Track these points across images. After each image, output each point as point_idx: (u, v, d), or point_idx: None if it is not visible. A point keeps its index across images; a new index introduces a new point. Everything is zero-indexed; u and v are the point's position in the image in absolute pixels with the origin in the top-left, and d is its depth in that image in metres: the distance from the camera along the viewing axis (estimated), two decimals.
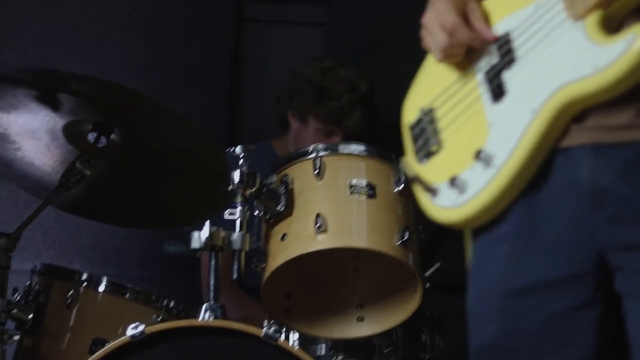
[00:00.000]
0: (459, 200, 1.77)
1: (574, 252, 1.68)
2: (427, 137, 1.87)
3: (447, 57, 1.81)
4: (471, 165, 1.75)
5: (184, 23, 4.18)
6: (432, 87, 1.91)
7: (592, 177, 1.65)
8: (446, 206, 1.80)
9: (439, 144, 1.85)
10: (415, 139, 1.91)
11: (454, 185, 1.77)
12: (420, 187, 1.85)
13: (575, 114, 1.65)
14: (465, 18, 1.79)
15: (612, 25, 1.62)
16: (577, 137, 1.67)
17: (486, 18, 1.80)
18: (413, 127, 1.92)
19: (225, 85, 4.21)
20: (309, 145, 3.36)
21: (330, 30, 4.08)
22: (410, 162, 1.91)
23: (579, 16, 1.63)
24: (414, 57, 1.94)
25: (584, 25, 1.63)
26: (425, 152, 1.87)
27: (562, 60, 1.65)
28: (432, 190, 1.82)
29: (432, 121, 1.87)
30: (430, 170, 1.85)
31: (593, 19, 1.62)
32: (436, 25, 1.79)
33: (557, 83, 1.64)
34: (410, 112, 1.95)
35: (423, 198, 1.86)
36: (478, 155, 1.73)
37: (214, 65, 4.19)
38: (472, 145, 1.76)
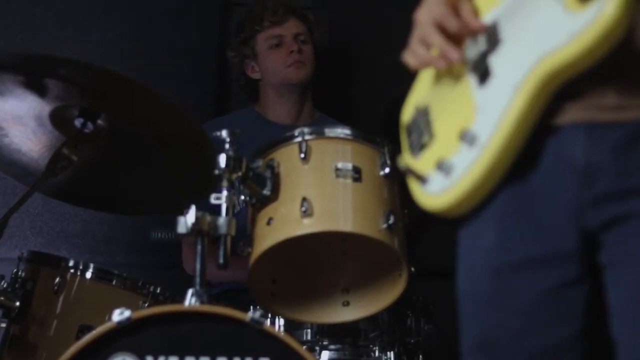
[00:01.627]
0: (446, 183, 1.76)
1: (563, 229, 1.68)
2: (420, 131, 1.88)
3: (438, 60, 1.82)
4: (457, 147, 1.75)
5: (170, 7, 4.17)
6: (427, 85, 1.93)
7: (586, 155, 1.65)
8: (434, 191, 1.79)
9: (431, 135, 1.85)
10: (410, 135, 1.92)
11: (441, 168, 1.76)
12: (411, 177, 1.85)
13: (558, 87, 1.64)
14: (455, 11, 1.79)
15: None
16: (571, 115, 1.67)
17: (476, 11, 1.80)
18: (408, 126, 1.94)
19: (212, 69, 4.20)
20: (273, 71, 3.77)
21: (316, 13, 4.07)
22: (406, 158, 1.91)
23: None
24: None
25: None
26: (419, 145, 1.87)
27: (540, 33, 1.65)
28: (422, 179, 1.82)
29: (425, 115, 1.88)
30: (422, 161, 1.85)
31: None
32: (430, 24, 1.80)
33: (535, 56, 1.64)
34: (406, 113, 1.97)
35: (415, 188, 1.85)
36: (462, 135, 1.73)
37: (201, 49, 4.19)
38: (459, 129, 1.76)
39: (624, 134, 1.63)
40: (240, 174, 2.54)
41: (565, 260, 1.69)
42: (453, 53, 1.78)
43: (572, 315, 1.70)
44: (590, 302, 1.69)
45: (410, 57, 1.86)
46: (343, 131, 2.67)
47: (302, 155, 2.60)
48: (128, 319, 2.36)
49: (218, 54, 4.18)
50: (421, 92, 1.95)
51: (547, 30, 1.63)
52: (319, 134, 2.65)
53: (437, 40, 1.80)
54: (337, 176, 2.58)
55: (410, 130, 1.93)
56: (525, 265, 1.71)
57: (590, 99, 1.65)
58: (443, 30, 1.80)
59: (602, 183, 1.64)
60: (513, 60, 1.69)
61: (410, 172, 1.84)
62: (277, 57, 3.81)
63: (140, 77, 2.74)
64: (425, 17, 1.82)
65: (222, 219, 2.51)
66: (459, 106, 1.79)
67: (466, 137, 1.72)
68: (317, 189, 2.57)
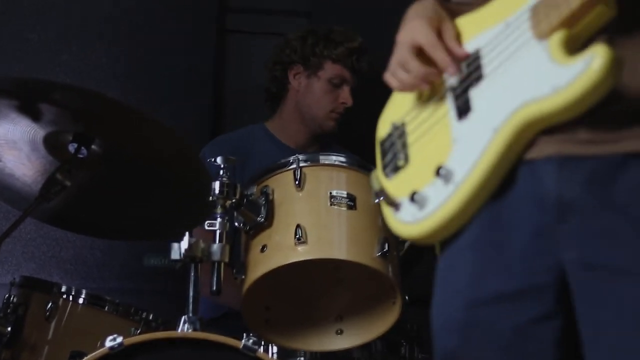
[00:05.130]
0: (419, 216, 1.76)
1: (536, 263, 1.67)
2: (395, 151, 1.88)
3: (416, 84, 1.81)
4: (432, 180, 1.75)
5: (166, 31, 4.17)
6: (404, 102, 1.92)
7: (558, 188, 1.65)
8: (407, 221, 1.80)
9: (406, 159, 1.85)
10: (384, 153, 1.92)
11: (414, 200, 1.77)
12: (384, 201, 1.85)
13: (537, 132, 1.65)
14: (439, 34, 1.80)
15: (577, 46, 1.62)
16: (543, 149, 1.66)
17: (459, 36, 1.81)
18: (383, 142, 1.93)
19: (208, 97, 4.20)
20: (316, 105, 3.59)
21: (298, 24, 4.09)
22: (379, 176, 1.91)
23: (544, 35, 1.63)
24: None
25: (548, 44, 1.63)
26: (393, 167, 1.87)
27: (524, 79, 1.65)
28: (395, 205, 1.82)
29: (402, 136, 1.88)
30: (395, 185, 1.86)
31: (557, 38, 1.62)
32: (409, 56, 1.79)
33: (517, 102, 1.64)
34: (382, 127, 1.96)
35: (387, 212, 1.85)
36: (438, 171, 1.73)
37: (197, 77, 4.18)
38: (434, 161, 1.76)
39: (596, 168, 1.63)
40: (234, 200, 2.54)
41: (538, 294, 1.67)
42: (424, 85, 1.79)
43: (546, 349, 1.68)
44: (564, 335, 1.68)
45: (390, 79, 1.85)
46: (338, 158, 2.67)
47: (297, 183, 2.60)
48: (120, 344, 2.35)
49: (214, 80, 4.18)
50: (399, 108, 1.93)
51: (532, 78, 1.64)
52: (313, 161, 2.65)
53: (414, 66, 1.79)
54: (332, 204, 2.58)
55: (385, 147, 1.92)
56: (498, 299, 1.69)
57: (563, 133, 1.64)
58: (423, 53, 1.79)
59: (574, 217, 1.63)
60: (494, 100, 1.69)
61: (383, 195, 1.85)
62: (329, 98, 3.66)
63: (135, 102, 2.75)
64: (405, 38, 1.81)
65: (216, 246, 2.51)
66: (436, 136, 1.79)
67: (441, 172, 1.73)
68: (312, 217, 2.57)
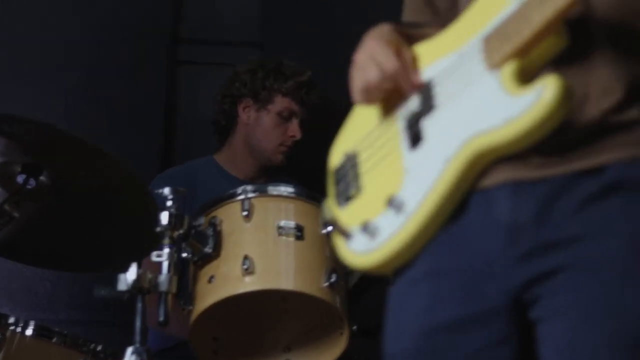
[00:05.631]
0: (370, 246, 1.75)
1: (490, 288, 1.68)
2: (348, 181, 1.87)
3: (369, 99, 1.81)
4: (383, 210, 1.74)
5: (116, 62, 4.16)
6: (357, 131, 1.91)
7: (512, 214, 1.66)
8: (358, 251, 1.78)
9: (358, 188, 1.84)
10: (337, 183, 1.91)
11: (366, 230, 1.75)
12: (336, 230, 1.84)
13: (490, 162, 1.65)
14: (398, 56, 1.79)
15: (529, 77, 1.62)
16: (496, 176, 1.67)
17: (414, 63, 1.80)
18: (336, 172, 1.92)
19: (158, 129, 4.19)
20: (265, 139, 3.60)
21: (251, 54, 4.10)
22: (332, 206, 1.90)
23: (496, 66, 1.63)
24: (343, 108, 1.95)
25: (500, 74, 1.62)
26: (345, 196, 1.86)
27: (476, 110, 1.65)
28: (346, 234, 1.81)
29: (354, 165, 1.87)
30: (347, 215, 1.84)
31: (509, 68, 1.62)
32: (371, 64, 1.78)
33: (469, 133, 1.64)
34: (335, 157, 1.95)
35: (339, 242, 1.84)
36: (390, 201, 1.72)
37: (147, 109, 4.17)
38: (386, 191, 1.75)
39: (547, 191, 1.64)
40: (182, 231, 2.54)
41: (493, 320, 1.68)
42: (387, 90, 1.78)
43: None
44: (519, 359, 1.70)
45: (357, 79, 1.82)
46: (286, 189, 2.68)
47: (245, 213, 2.61)
48: None
49: (165, 111, 4.18)
50: (352, 137, 1.92)
51: (484, 108, 1.63)
52: (261, 192, 2.66)
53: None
54: (280, 234, 2.59)
55: (338, 177, 1.91)
56: (452, 327, 1.70)
57: (515, 159, 1.65)
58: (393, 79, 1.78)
59: (526, 240, 1.64)
60: (446, 131, 1.69)
61: (335, 225, 1.84)
62: (278, 131, 3.67)
63: (84, 133, 2.73)
64: (364, 56, 1.80)
65: (163, 277, 2.51)
66: (389, 165, 1.79)
67: (393, 203, 1.72)
68: (259, 247, 2.58)
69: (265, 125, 3.68)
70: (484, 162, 1.65)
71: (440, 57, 1.77)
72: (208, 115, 3.92)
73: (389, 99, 1.81)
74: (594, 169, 1.63)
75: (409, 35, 1.88)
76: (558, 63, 1.64)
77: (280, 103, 3.67)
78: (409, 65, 1.79)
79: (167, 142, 4.23)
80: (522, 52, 1.61)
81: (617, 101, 1.64)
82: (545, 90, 1.54)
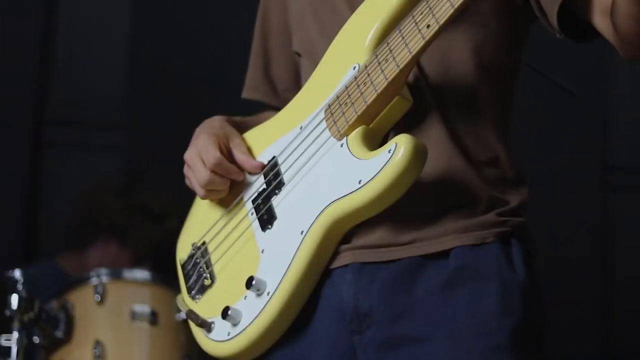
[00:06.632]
0: (233, 332, 1.71)
1: None
2: (200, 272, 1.83)
3: (210, 193, 1.79)
4: (244, 294, 1.71)
5: None
6: (203, 221, 1.87)
7: (354, 298, 1.65)
8: (221, 339, 1.74)
9: (212, 278, 1.80)
10: (188, 275, 1.87)
11: (228, 316, 1.71)
12: (195, 323, 1.78)
13: (346, 230, 1.64)
14: (229, 153, 1.78)
15: (377, 140, 1.64)
16: (342, 258, 1.66)
17: (251, 149, 1.80)
18: (185, 265, 1.88)
19: (22, 210, 4.12)
20: None
21: (130, 155, 4.08)
22: (185, 299, 1.85)
23: (342, 134, 1.64)
24: None
25: (347, 142, 1.63)
26: (199, 288, 1.82)
27: (328, 179, 1.64)
28: (206, 325, 1.76)
29: (204, 255, 1.84)
30: (205, 305, 1.80)
31: (356, 135, 1.63)
32: (198, 161, 1.77)
33: (325, 203, 1.63)
34: (182, 250, 1.91)
35: (199, 334, 1.79)
36: (249, 283, 1.69)
37: (10, 191, 4.10)
38: (244, 275, 1.72)
39: (389, 276, 1.64)
40: (32, 315, 2.48)
41: None
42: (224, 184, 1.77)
43: None
44: None
45: (198, 193, 1.81)
46: (142, 274, 2.66)
47: (98, 298, 2.58)
48: None
49: (27, 196, 4.11)
50: (196, 227, 1.89)
51: (336, 177, 1.63)
52: (116, 276, 2.64)
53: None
54: (134, 319, 2.57)
55: (187, 269, 1.87)
56: None
57: (357, 239, 1.65)
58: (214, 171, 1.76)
59: (371, 329, 1.63)
60: (300, 205, 1.68)
61: (193, 317, 1.79)
62: None
63: None
64: (192, 154, 1.78)
65: None
66: (242, 250, 1.76)
67: (252, 285, 1.69)
68: (112, 332, 2.55)
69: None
70: (341, 230, 1.64)
71: (280, 135, 1.76)
72: (71, 196, 3.84)
73: (232, 185, 1.80)
74: (438, 253, 1.63)
75: (244, 123, 1.89)
76: (400, 127, 1.64)
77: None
78: (241, 152, 1.78)
79: (30, 224, 4.14)
80: (367, 117, 1.63)
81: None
82: (397, 148, 1.55)
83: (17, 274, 2.50)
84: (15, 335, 2.47)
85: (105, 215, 3.44)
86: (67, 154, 4.23)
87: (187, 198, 1.93)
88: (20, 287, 2.48)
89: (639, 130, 4.06)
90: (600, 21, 1.58)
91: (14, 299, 2.47)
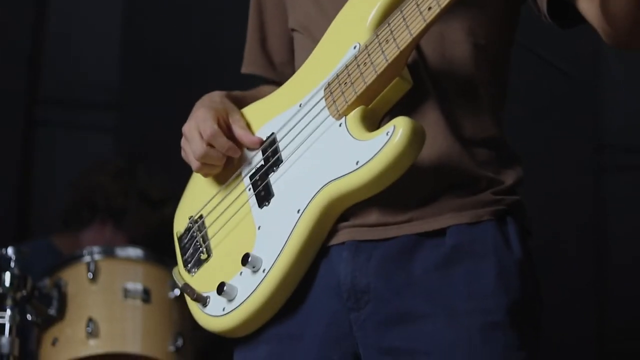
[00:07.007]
0: (228, 307, 1.71)
1: (333, 352, 1.67)
2: (196, 246, 1.83)
3: (205, 167, 1.78)
4: (239, 270, 1.71)
5: None
6: (200, 195, 1.87)
7: (352, 276, 1.65)
8: (216, 314, 1.73)
9: (208, 252, 1.80)
10: (185, 248, 1.86)
11: (223, 292, 1.71)
12: (191, 297, 1.78)
13: (342, 211, 1.65)
14: (228, 128, 1.78)
15: (376, 121, 1.63)
16: (339, 235, 1.67)
17: (249, 124, 1.79)
18: (182, 238, 1.88)
19: (13, 189, 4.12)
20: None
21: (121, 135, 4.07)
22: (181, 272, 1.85)
23: (341, 113, 1.64)
24: None
25: (346, 122, 1.63)
26: (195, 261, 1.82)
27: (327, 159, 1.64)
28: (202, 299, 1.76)
29: (201, 229, 1.83)
30: (200, 279, 1.79)
31: (354, 115, 1.62)
32: (195, 133, 1.76)
33: (322, 182, 1.63)
34: (179, 223, 1.90)
35: (194, 307, 1.79)
36: (245, 259, 1.69)
37: (1, 169, 4.09)
38: (240, 251, 1.71)
39: (386, 253, 1.64)
40: (25, 292, 2.48)
41: None
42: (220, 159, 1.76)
43: None
44: None
45: (193, 166, 1.80)
46: (134, 252, 2.66)
47: (90, 275, 2.58)
48: None
49: (20, 175, 4.11)
50: (193, 201, 1.89)
51: (334, 156, 1.63)
52: (108, 253, 2.64)
53: (197, 143, 1.74)
54: (126, 297, 2.57)
55: (184, 242, 1.87)
56: None
57: (355, 218, 1.66)
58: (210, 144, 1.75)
59: (369, 306, 1.64)
60: (297, 183, 1.68)
61: (188, 290, 1.79)
62: None
63: None
64: (190, 127, 1.77)
65: (5, 339, 2.45)
66: (239, 225, 1.76)
67: (248, 262, 1.68)
68: (105, 310, 2.56)
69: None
70: (338, 209, 1.64)
71: (278, 112, 1.76)
72: (64, 177, 3.83)
73: (231, 160, 1.79)
74: (435, 231, 1.64)
75: (243, 98, 1.88)
76: (399, 108, 1.64)
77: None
78: (240, 127, 1.77)
79: (23, 203, 4.14)
80: (366, 98, 1.62)
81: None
82: (396, 130, 1.55)
83: (10, 251, 2.49)
84: (8, 312, 2.47)
85: (103, 197, 3.44)
86: (59, 133, 4.23)
87: (179, 182, 1.92)
88: (13, 264, 2.48)
89: (632, 109, 4.07)
90: (588, 7, 1.58)
91: (7, 277, 2.47)
